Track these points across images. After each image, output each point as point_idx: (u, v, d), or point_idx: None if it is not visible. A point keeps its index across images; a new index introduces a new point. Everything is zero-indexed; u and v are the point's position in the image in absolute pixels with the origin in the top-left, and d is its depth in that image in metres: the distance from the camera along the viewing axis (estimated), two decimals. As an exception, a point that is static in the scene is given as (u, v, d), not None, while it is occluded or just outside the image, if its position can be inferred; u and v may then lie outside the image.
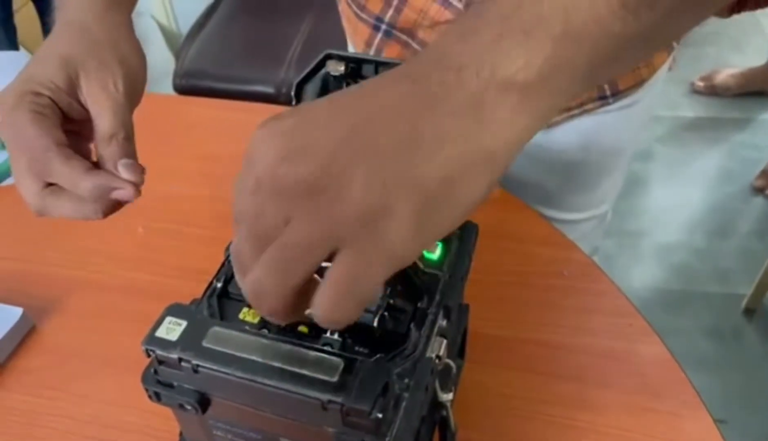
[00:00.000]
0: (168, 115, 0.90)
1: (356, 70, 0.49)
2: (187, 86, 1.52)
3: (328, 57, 0.49)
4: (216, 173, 0.78)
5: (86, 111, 0.48)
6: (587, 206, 0.89)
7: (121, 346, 0.60)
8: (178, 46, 1.79)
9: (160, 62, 1.99)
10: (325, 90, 0.50)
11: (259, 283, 0.31)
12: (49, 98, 0.47)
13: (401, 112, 0.32)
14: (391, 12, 0.75)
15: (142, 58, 0.53)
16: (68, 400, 0.58)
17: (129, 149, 0.48)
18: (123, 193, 0.46)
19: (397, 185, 0.30)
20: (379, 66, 0.49)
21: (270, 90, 1.48)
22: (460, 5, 0.70)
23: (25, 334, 0.62)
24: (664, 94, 2.12)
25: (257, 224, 0.32)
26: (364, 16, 0.78)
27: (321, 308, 0.31)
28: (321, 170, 0.30)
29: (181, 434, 0.48)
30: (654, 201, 1.94)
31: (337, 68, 0.48)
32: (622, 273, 1.73)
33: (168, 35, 2.05)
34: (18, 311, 0.62)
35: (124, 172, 0.46)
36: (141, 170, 0.47)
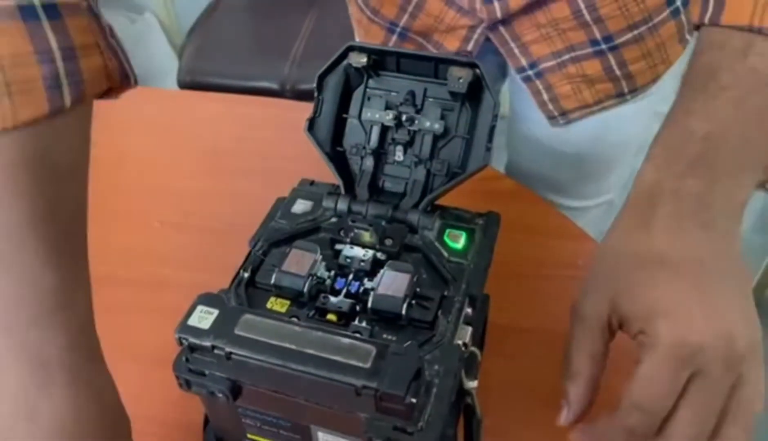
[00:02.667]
0: (182, 111, 0.90)
1: (377, 61, 0.49)
2: (191, 83, 1.53)
3: (350, 49, 0.49)
4: (230, 167, 0.79)
5: None
6: (596, 194, 0.91)
7: (140, 339, 0.60)
8: (180, 42, 1.79)
9: (163, 59, 1.99)
10: (346, 81, 0.50)
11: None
12: None
13: (730, 266, 0.42)
14: (405, 17, 0.75)
15: (127, 421, 0.44)
16: (88, 393, 0.58)
17: None
18: None
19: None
20: (401, 57, 0.49)
21: (274, 86, 1.47)
22: (477, 12, 0.70)
23: (44, 327, 0.62)
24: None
25: (717, 398, 0.40)
26: (377, 20, 0.78)
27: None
28: (752, 337, 0.40)
29: (206, 423, 0.48)
30: (655, 196, 1.94)
31: (358, 60, 0.48)
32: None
33: (169, 32, 2.05)
34: (37, 304, 0.62)
35: None
36: None
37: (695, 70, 0.45)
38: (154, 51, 1.99)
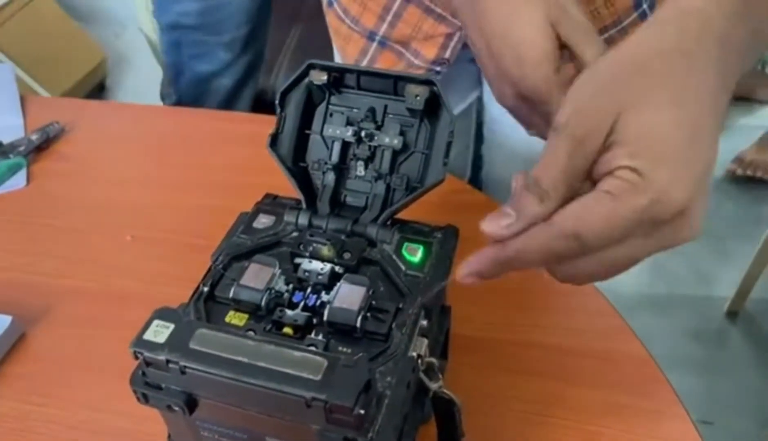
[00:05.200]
0: (155, 126, 0.91)
1: (338, 79, 0.50)
2: (174, 97, 1.53)
3: (311, 67, 0.50)
4: (202, 182, 0.80)
5: None
6: None
7: (110, 352, 0.61)
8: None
9: (148, 73, 2.00)
10: (309, 98, 0.51)
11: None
12: None
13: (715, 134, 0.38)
14: (385, 27, 0.77)
15: None
16: (58, 406, 0.58)
17: None
18: None
19: None
20: (361, 75, 0.50)
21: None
22: (456, 20, 0.71)
23: (15, 341, 0.63)
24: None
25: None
26: (357, 29, 0.79)
27: None
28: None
29: (169, 437, 0.49)
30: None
31: (319, 78, 0.50)
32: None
33: (155, 47, 2.06)
34: (7, 319, 0.62)
35: None
36: None
37: None
38: (139, 66, 2.00)
